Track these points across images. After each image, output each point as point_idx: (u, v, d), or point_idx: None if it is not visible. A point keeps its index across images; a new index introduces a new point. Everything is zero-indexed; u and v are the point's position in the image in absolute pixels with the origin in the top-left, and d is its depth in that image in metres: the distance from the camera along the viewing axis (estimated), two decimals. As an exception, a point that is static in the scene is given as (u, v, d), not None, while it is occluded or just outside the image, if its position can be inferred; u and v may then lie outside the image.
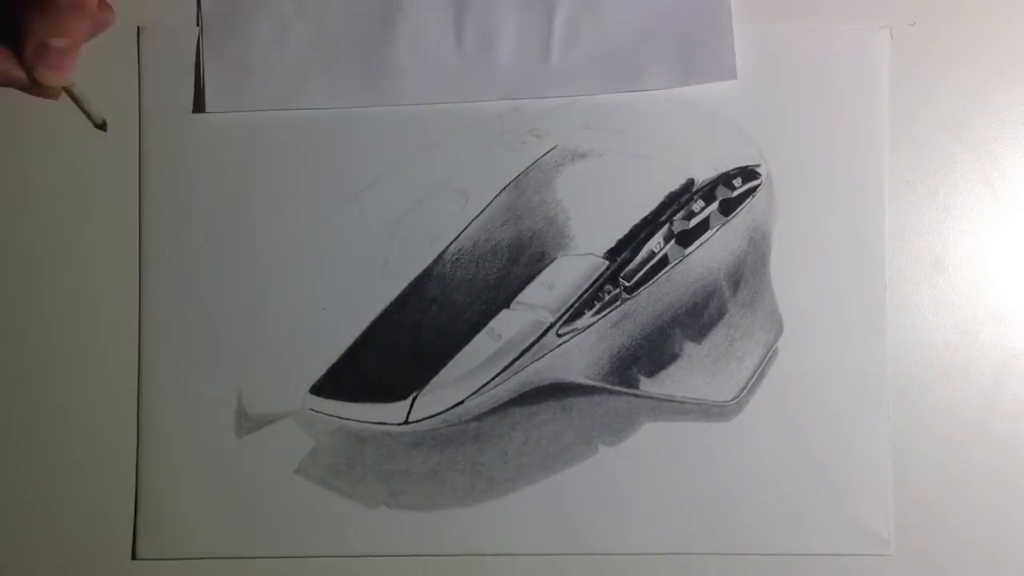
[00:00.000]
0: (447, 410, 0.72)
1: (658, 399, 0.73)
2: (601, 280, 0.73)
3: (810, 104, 0.73)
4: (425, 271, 0.73)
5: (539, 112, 0.73)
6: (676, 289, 0.73)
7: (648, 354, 0.73)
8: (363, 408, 0.72)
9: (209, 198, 0.73)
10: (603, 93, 0.73)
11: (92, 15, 0.61)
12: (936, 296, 0.74)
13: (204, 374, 0.73)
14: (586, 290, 0.72)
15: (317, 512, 0.72)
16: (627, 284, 0.73)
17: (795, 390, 0.73)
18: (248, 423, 0.72)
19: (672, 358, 0.73)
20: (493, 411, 0.73)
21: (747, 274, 0.73)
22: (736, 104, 0.73)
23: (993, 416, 0.73)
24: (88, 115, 0.66)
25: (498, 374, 0.72)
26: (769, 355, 0.73)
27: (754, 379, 0.73)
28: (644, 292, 0.73)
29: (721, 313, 0.73)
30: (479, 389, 0.72)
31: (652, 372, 0.73)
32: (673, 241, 0.73)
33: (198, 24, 0.73)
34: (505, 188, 0.73)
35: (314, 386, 0.73)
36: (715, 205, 0.73)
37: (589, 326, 0.73)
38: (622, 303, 0.73)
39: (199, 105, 0.73)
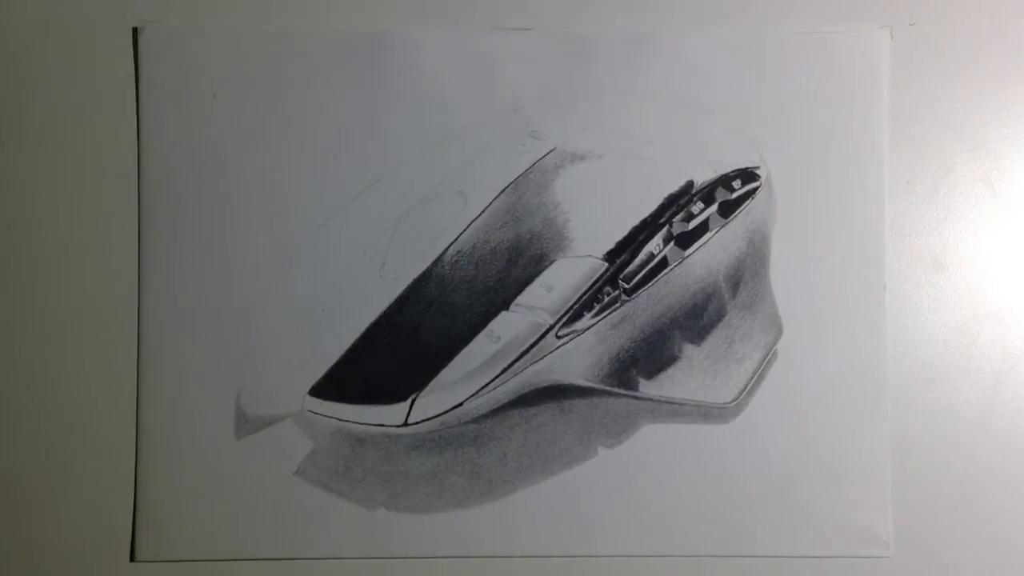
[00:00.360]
0: (446, 412, 0.72)
1: (657, 401, 0.72)
2: (600, 282, 0.72)
3: (810, 104, 0.73)
4: (424, 273, 0.73)
5: (538, 114, 0.73)
6: (675, 291, 0.73)
7: (647, 356, 0.73)
8: (362, 410, 0.72)
9: (208, 199, 0.73)
10: None
11: None
12: (936, 296, 0.74)
13: (203, 376, 0.73)
14: (585, 292, 0.72)
15: (316, 514, 0.72)
16: (626, 286, 0.73)
17: (794, 392, 0.73)
18: (247, 425, 0.72)
19: (671, 360, 0.73)
20: (492, 413, 0.72)
21: (746, 276, 0.73)
22: (735, 105, 0.73)
23: (993, 416, 0.73)
24: None
25: (497, 376, 0.72)
26: (768, 357, 0.73)
27: (753, 381, 0.73)
28: (643, 294, 0.73)
29: (720, 315, 0.73)
30: (478, 391, 0.72)
31: (651, 374, 0.73)
32: (672, 243, 0.73)
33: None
34: (504, 190, 0.73)
35: (313, 388, 0.73)
36: (714, 207, 0.73)
37: (588, 328, 0.72)
38: (621, 305, 0.73)
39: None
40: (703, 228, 0.73)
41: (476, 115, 0.73)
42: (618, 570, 0.73)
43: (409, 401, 0.72)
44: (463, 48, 0.73)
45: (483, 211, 0.73)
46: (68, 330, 0.73)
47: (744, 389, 0.73)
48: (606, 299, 0.72)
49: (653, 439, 0.72)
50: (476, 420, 0.73)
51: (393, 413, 0.72)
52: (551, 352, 0.72)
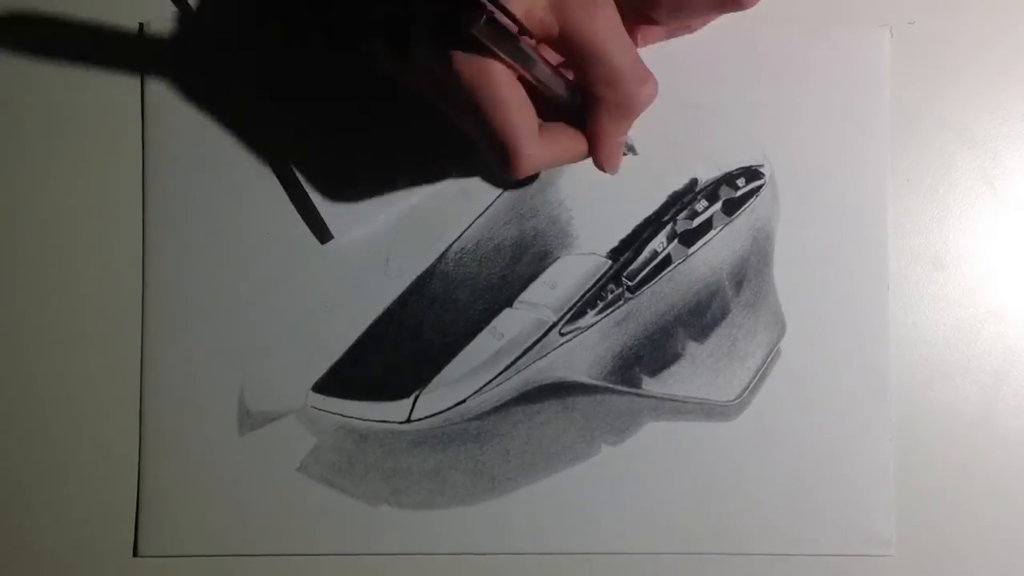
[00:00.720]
0: (449, 408, 0.72)
1: (660, 399, 0.73)
2: (604, 279, 0.73)
3: (811, 103, 0.73)
4: (428, 270, 0.73)
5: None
6: (679, 289, 0.73)
7: (651, 354, 0.73)
8: (365, 406, 0.72)
9: (213, 196, 0.73)
10: None
11: None
12: (937, 294, 0.74)
13: (206, 372, 0.73)
14: (589, 289, 0.72)
15: (319, 510, 0.72)
16: (630, 283, 0.73)
17: (798, 390, 0.73)
18: (250, 421, 0.72)
19: (675, 358, 0.73)
20: (495, 410, 0.73)
21: (750, 274, 0.73)
22: (739, 104, 0.73)
23: (994, 414, 0.74)
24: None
25: (500, 373, 0.72)
26: (772, 355, 0.73)
27: (757, 379, 0.73)
28: (647, 291, 0.73)
29: (724, 313, 0.73)
30: (481, 388, 0.72)
31: (655, 372, 0.73)
32: (676, 241, 0.73)
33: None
34: (508, 187, 0.73)
35: (316, 384, 0.73)
36: (718, 205, 0.73)
37: (592, 325, 0.73)
38: (625, 302, 0.73)
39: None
40: (707, 226, 0.73)
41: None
42: (621, 567, 0.73)
43: (412, 398, 0.72)
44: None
45: (487, 208, 0.73)
46: (72, 325, 0.73)
47: (747, 387, 0.73)
48: (610, 296, 0.73)
49: (656, 437, 0.73)
50: (479, 417, 0.73)
51: (396, 409, 0.72)
52: (554, 349, 0.72)
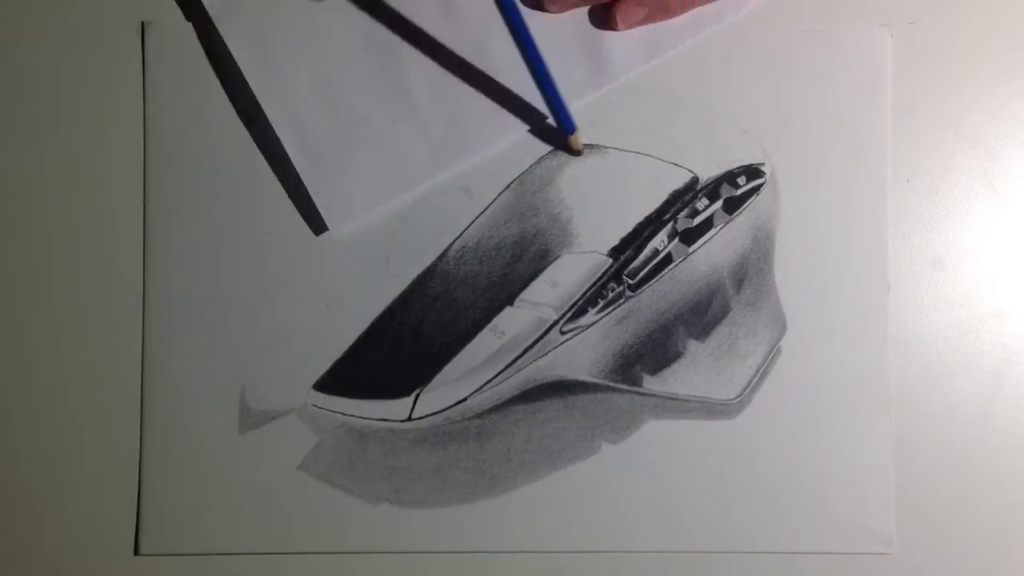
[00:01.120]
0: (450, 407, 0.72)
1: (661, 397, 0.73)
2: (605, 278, 0.73)
3: (812, 103, 0.74)
4: (428, 268, 0.73)
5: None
6: (680, 287, 0.73)
7: (651, 352, 0.73)
8: (366, 405, 0.72)
9: (214, 193, 0.73)
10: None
11: None
12: (936, 294, 0.74)
13: (207, 370, 0.73)
14: (590, 288, 0.73)
15: (319, 508, 0.72)
16: (631, 282, 0.73)
17: (798, 389, 0.73)
18: (251, 419, 0.72)
19: (675, 356, 0.73)
20: (496, 408, 0.73)
21: (751, 272, 0.73)
22: (739, 103, 0.73)
23: (994, 414, 0.74)
24: None
25: (501, 371, 0.72)
26: (772, 354, 0.73)
27: (757, 378, 0.73)
28: (648, 290, 0.73)
29: (725, 311, 0.73)
30: (482, 386, 0.72)
31: (655, 370, 0.73)
32: (677, 239, 0.73)
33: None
34: (509, 185, 0.73)
35: (317, 382, 0.73)
36: (719, 203, 0.73)
37: (592, 324, 0.73)
38: (626, 301, 0.73)
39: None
40: (708, 224, 0.73)
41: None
42: (621, 565, 0.73)
43: (413, 396, 0.72)
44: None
45: (488, 207, 0.73)
46: (73, 324, 0.73)
47: (748, 386, 0.73)
48: (610, 295, 0.73)
49: (657, 435, 0.73)
50: (480, 415, 0.73)
51: (397, 408, 0.72)
52: (555, 348, 0.73)
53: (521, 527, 0.72)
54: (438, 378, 0.72)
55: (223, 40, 0.73)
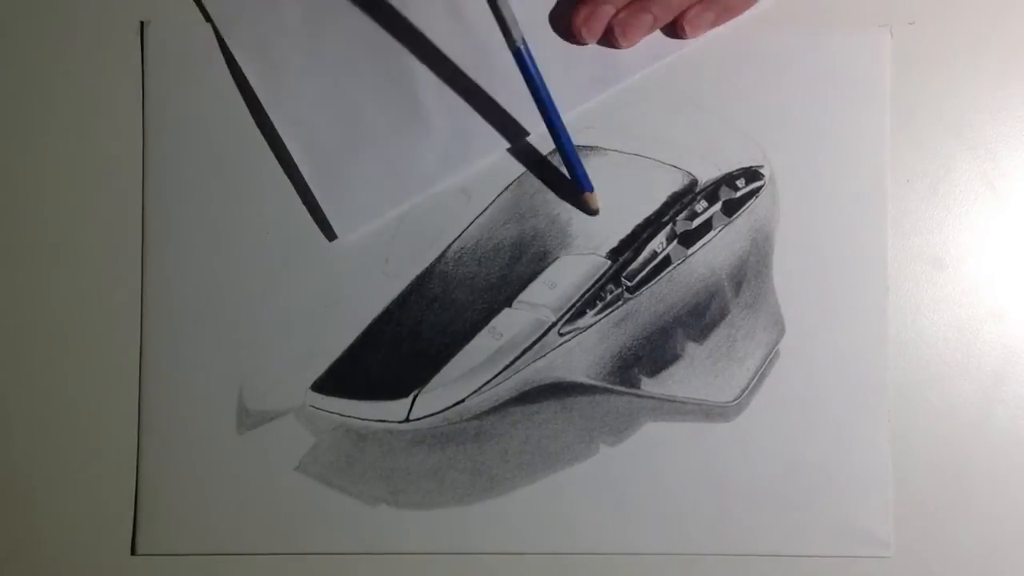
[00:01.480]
0: (448, 408, 0.72)
1: (659, 399, 0.73)
2: (603, 280, 0.73)
3: (811, 104, 0.73)
4: (427, 269, 0.73)
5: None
6: (678, 289, 0.73)
7: (650, 354, 0.73)
8: (364, 406, 0.72)
9: (212, 193, 0.73)
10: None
11: None
12: (936, 295, 0.74)
13: (205, 370, 0.73)
14: (588, 289, 0.72)
15: (317, 509, 0.72)
16: (629, 284, 0.73)
17: (796, 392, 0.73)
18: (249, 419, 0.72)
19: (674, 358, 0.73)
20: (494, 410, 0.73)
21: (749, 275, 0.73)
22: (738, 105, 0.73)
23: (994, 415, 0.73)
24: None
25: (499, 373, 0.72)
26: (771, 356, 0.73)
27: (755, 380, 0.73)
28: (646, 292, 0.73)
29: (723, 314, 0.73)
30: (480, 387, 0.72)
31: (653, 372, 0.73)
32: (676, 241, 0.73)
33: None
34: (508, 187, 0.73)
35: (315, 383, 0.73)
36: (718, 206, 0.73)
37: (591, 326, 0.73)
38: (624, 303, 0.73)
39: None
40: (706, 227, 0.73)
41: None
42: (619, 567, 0.73)
43: (411, 397, 0.72)
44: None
45: (487, 208, 0.73)
46: (70, 323, 0.73)
47: (746, 388, 0.73)
48: (609, 297, 0.73)
49: (655, 437, 0.73)
50: (478, 417, 0.73)
51: (395, 409, 0.72)
52: (553, 349, 0.72)
53: (519, 529, 0.72)
54: (436, 379, 0.72)
55: (228, 47, 0.73)
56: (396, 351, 0.73)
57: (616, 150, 0.73)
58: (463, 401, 0.72)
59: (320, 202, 0.72)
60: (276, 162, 0.73)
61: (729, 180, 0.73)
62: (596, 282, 0.73)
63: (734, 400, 0.73)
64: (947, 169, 0.74)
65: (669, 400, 0.73)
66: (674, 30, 0.73)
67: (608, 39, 0.72)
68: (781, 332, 0.73)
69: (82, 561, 0.73)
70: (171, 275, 0.73)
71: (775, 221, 0.73)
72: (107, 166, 0.73)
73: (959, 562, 0.73)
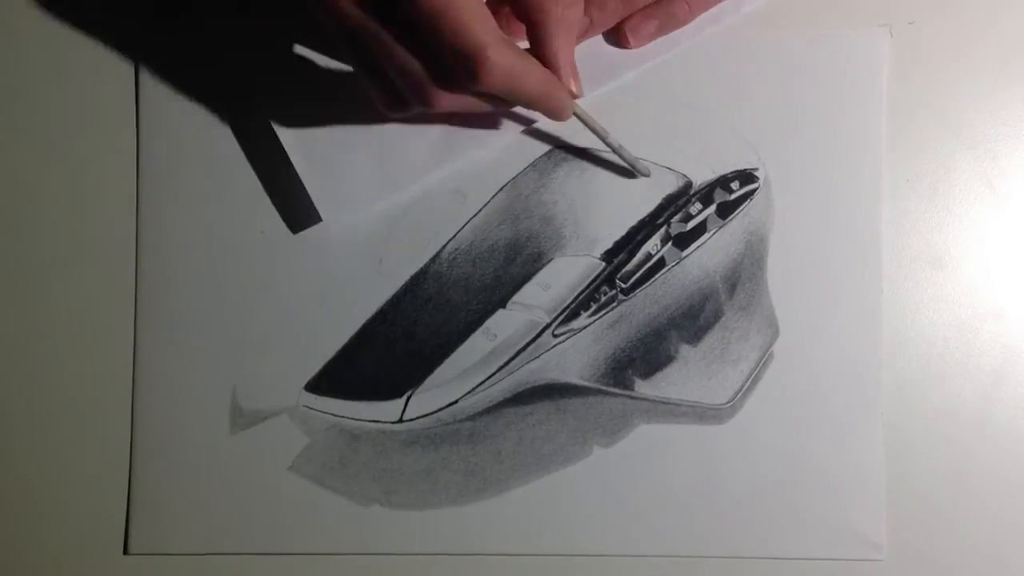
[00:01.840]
0: (441, 409, 0.72)
1: (653, 401, 0.73)
2: (598, 281, 0.72)
3: (808, 106, 0.73)
4: (421, 270, 0.73)
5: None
6: (672, 291, 0.73)
7: (644, 356, 0.73)
8: (358, 406, 0.72)
9: (206, 194, 0.73)
10: None
11: None
12: (936, 294, 0.73)
13: (199, 370, 0.73)
14: (582, 291, 0.72)
15: (310, 509, 0.72)
16: (624, 286, 0.73)
17: (790, 394, 0.73)
18: (242, 419, 0.73)
19: (668, 360, 0.73)
20: (488, 411, 0.73)
21: (743, 277, 0.73)
22: (734, 106, 0.73)
23: (993, 415, 0.73)
24: (601, 136, 0.71)
25: (493, 374, 0.72)
26: (764, 358, 0.73)
27: (749, 382, 0.73)
28: (640, 294, 0.73)
29: (717, 316, 0.73)
30: (474, 388, 0.72)
31: (647, 374, 0.73)
32: (670, 243, 0.73)
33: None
34: (503, 188, 0.73)
35: (309, 383, 0.73)
36: (712, 208, 0.73)
37: (585, 327, 0.72)
38: (618, 304, 0.73)
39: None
40: (701, 229, 0.73)
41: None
42: (612, 570, 0.73)
43: (405, 398, 0.72)
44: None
45: (481, 209, 0.73)
46: (64, 324, 0.73)
47: (740, 390, 0.73)
48: (603, 298, 0.72)
49: (648, 439, 0.72)
50: (471, 418, 0.73)
51: (388, 409, 0.72)
52: (547, 351, 0.72)
53: (512, 529, 0.73)
54: (430, 380, 0.72)
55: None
56: (390, 351, 0.73)
57: (611, 151, 0.72)
58: (457, 402, 0.72)
59: (306, 185, 0.72)
60: (271, 164, 0.73)
61: (724, 182, 0.73)
62: (590, 284, 0.72)
63: (728, 402, 0.73)
64: (947, 169, 0.74)
65: (663, 402, 0.73)
66: (617, 39, 0.73)
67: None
68: (775, 334, 0.73)
69: (74, 560, 0.73)
70: (165, 275, 0.73)
71: (770, 223, 0.73)
72: (100, 166, 0.73)
73: (953, 564, 0.73)
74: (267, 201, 0.73)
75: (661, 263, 0.73)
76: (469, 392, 0.72)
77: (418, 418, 0.72)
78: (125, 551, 0.73)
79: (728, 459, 0.73)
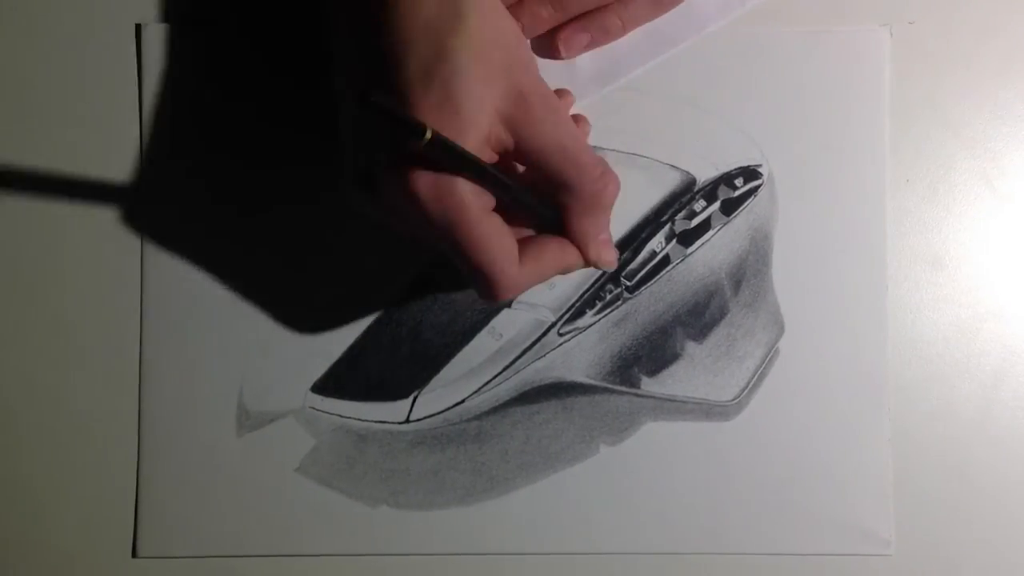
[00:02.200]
0: (448, 409, 0.72)
1: (659, 399, 0.73)
2: (602, 279, 0.72)
3: (811, 103, 0.73)
4: (426, 270, 0.73)
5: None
6: (677, 289, 0.73)
7: (649, 354, 0.73)
8: (364, 407, 0.72)
9: (211, 195, 0.73)
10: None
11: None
12: (936, 294, 0.74)
13: (205, 372, 0.73)
14: (587, 289, 0.72)
15: (318, 511, 0.72)
16: (628, 283, 0.73)
17: (796, 390, 0.73)
18: (249, 421, 0.72)
19: (673, 358, 0.73)
20: (494, 410, 0.73)
21: (748, 274, 0.73)
22: (737, 104, 0.73)
23: (993, 414, 0.73)
24: None
25: (499, 373, 0.72)
26: (770, 355, 0.73)
27: (755, 379, 0.73)
28: (645, 292, 0.73)
29: (722, 313, 0.73)
30: (480, 388, 0.72)
31: (653, 372, 0.73)
32: (675, 241, 0.73)
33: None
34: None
35: (315, 384, 0.73)
36: (717, 205, 0.73)
37: (590, 325, 0.73)
38: (623, 302, 0.73)
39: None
40: (705, 226, 0.73)
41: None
42: (619, 567, 0.73)
43: (411, 398, 0.72)
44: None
45: (486, 208, 0.73)
46: (70, 326, 0.73)
47: (746, 387, 0.73)
48: (608, 297, 0.73)
49: (655, 437, 0.73)
50: (478, 417, 0.73)
51: (395, 410, 0.72)
52: (553, 349, 0.72)
53: (520, 529, 0.72)
54: (436, 380, 0.72)
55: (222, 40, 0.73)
56: (396, 352, 0.73)
57: (614, 149, 0.73)
58: (463, 402, 0.72)
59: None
60: (274, 164, 0.73)
61: (727, 179, 0.73)
62: (595, 282, 0.73)
63: (734, 399, 0.73)
64: (947, 169, 0.74)
65: (669, 399, 0.73)
66: (549, 51, 0.72)
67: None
68: (781, 331, 0.73)
69: (83, 564, 0.73)
70: (170, 277, 0.73)
71: (774, 220, 0.73)
72: (104, 166, 0.73)
73: (960, 560, 0.73)
74: (271, 202, 0.73)
75: (666, 261, 0.73)
76: (475, 392, 0.72)
77: (425, 418, 0.72)
78: (134, 554, 0.73)
79: (735, 456, 0.73)
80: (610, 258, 0.66)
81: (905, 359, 0.73)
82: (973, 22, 0.74)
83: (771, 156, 0.73)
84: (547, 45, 0.72)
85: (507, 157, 0.61)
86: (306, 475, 0.72)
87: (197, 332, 0.73)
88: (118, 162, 0.73)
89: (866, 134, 0.73)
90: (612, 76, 0.73)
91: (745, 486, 0.73)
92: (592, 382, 0.73)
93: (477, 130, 0.57)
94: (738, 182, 0.73)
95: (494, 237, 0.59)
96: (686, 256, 0.73)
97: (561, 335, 0.72)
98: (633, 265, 0.73)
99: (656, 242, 0.73)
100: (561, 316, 0.72)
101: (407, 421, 0.72)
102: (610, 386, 0.73)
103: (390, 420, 0.72)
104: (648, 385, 0.73)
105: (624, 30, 0.72)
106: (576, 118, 0.69)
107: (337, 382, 0.73)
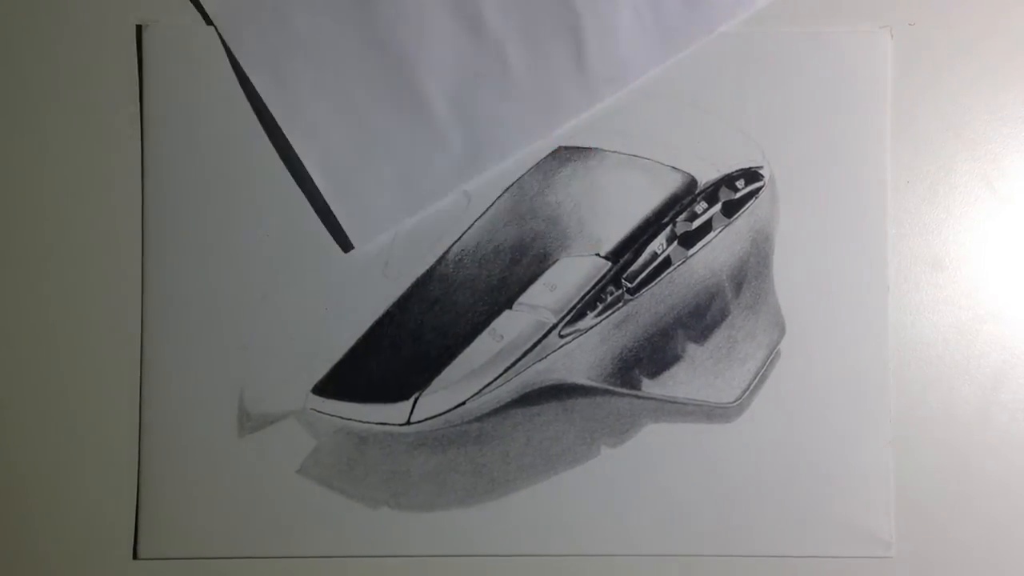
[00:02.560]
0: (449, 411, 0.72)
1: (660, 400, 0.73)
2: (603, 281, 0.73)
3: (811, 105, 0.73)
4: (428, 271, 0.73)
5: (542, 113, 0.73)
6: (678, 291, 0.73)
7: (650, 355, 0.73)
8: (365, 408, 0.72)
9: (212, 197, 0.73)
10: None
11: None
12: (936, 295, 0.74)
13: (206, 374, 0.73)
14: (588, 291, 0.72)
15: (318, 512, 0.72)
16: (629, 285, 0.73)
17: (797, 392, 0.73)
18: (250, 423, 0.72)
19: (674, 359, 0.73)
20: (495, 412, 0.73)
21: (750, 276, 0.73)
22: (738, 106, 0.73)
23: (993, 415, 0.73)
24: None
25: (500, 375, 0.72)
26: (771, 357, 0.73)
27: (756, 381, 0.73)
28: (646, 293, 0.73)
29: (723, 315, 0.73)
30: (481, 390, 0.72)
31: (654, 373, 0.73)
32: (676, 243, 0.73)
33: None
34: (508, 189, 0.73)
35: (316, 386, 0.73)
36: (718, 207, 0.73)
37: (591, 327, 0.73)
38: (624, 304, 0.73)
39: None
40: (706, 228, 0.73)
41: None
42: (620, 569, 0.73)
43: (412, 400, 0.72)
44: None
45: (487, 210, 0.73)
46: (71, 327, 0.73)
47: (747, 389, 0.73)
48: (609, 298, 0.73)
49: (656, 439, 0.73)
50: (479, 419, 0.73)
51: (396, 412, 0.72)
52: (554, 351, 0.72)
53: (520, 530, 0.72)
54: (437, 382, 0.72)
55: (233, 55, 0.73)
56: (397, 354, 0.73)
57: (616, 151, 0.73)
58: (464, 403, 0.72)
59: (336, 213, 0.72)
60: (276, 166, 0.73)
61: (728, 181, 0.73)
62: (596, 284, 0.73)
63: (735, 401, 0.73)
64: (947, 170, 0.74)
65: (670, 401, 0.73)
66: None
67: None
68: (782, 332, 0.73)
69: (84, 565, 0.73)
70: (171, 279, 0.73)
71: (775, 222, 0.73)
72: (105, 168, 0.73)
73: (960, 562, 0.73)
74: (271, 203, 0.73)
75: (667, 262, 0.73)
76: (476, 393, 0.72)
77: (426, 420, 0.72)
78: (135, 556, 0.73)
79: (736, 457, 0.73)
80: None
81: (905, 361, 0.73)
82: (973, 23, 0.74)
83: (772, 158, 0.73)
84: None
85: None
86: (307, 477, 0.72)
87: (198, 334, 0.73)
88: (118, 162, 0.73)
89: (867, 136, 0.73)
90: (625, 78, 0.73)
91: (746, 488, 0.73)
92: (593, 384, 0.73)
93: None
94: (739, 184, 0.73)
95: None
96: (687, 258, 0.73)
97: (562, 337, 0.72)
98: (634, 267, 0.73)
99: (657, 244, 0.73)
100: (562, 318, 0.72)
101: (408, 423, 0.72)
102: (611, 388, 0.73)
103: (391, 422, 0.72)
104: (649, 387, 0.73)
105: None
106: None
107: (338, 384, 0.73)
